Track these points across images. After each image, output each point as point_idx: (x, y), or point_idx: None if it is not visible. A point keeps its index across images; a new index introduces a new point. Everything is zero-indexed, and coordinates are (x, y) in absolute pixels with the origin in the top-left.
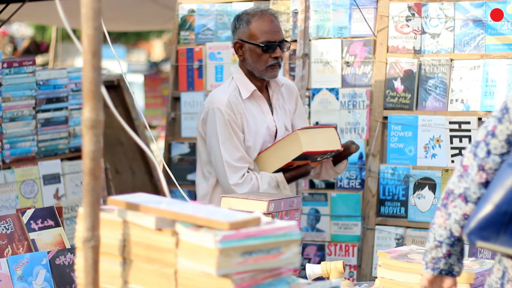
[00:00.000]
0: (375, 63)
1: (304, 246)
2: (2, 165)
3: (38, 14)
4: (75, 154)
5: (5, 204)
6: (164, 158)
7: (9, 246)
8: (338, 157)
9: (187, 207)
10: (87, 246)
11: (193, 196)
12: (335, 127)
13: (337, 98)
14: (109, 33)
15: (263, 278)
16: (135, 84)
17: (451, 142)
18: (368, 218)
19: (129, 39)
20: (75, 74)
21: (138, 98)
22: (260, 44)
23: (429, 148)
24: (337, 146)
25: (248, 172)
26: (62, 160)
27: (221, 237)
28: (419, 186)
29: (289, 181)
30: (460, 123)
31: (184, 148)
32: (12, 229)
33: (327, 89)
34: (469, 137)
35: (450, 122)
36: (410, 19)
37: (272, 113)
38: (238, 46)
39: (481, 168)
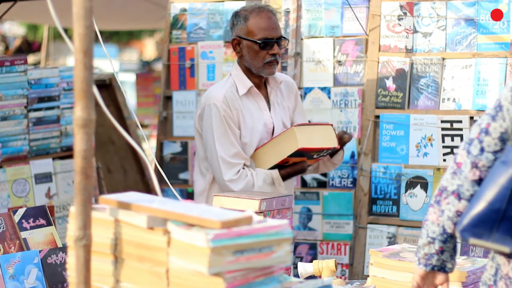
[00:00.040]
0: (367, 62)
1: (296, 245)
2: None
3: (30, 13)
4: (67, 153)
5: None
6: (156, 157)
7: (0, 245)
8: None
9: (178, 206)
10: (79, 245)
11: (185, 195)
12: (332, 125)
13: (329, 97)
14: (101, 32)
15: (255, 276)
16: (127, 83)
17: (443, 141)
18: (360, 216)
19: (121, 38)
20: (67, 73)
21: (130, 97)
22: (258, 41)
23: (421, 147)
24: (334, 144)
25: (243, 168)
26: (53, 159)
27: (213, 236)
28: (411, 184)
29: (284, 178)
30: (452, 122)
31: (176, 147)
32: (3, 228)
33: (319, 88)
34: (461, 136)
35: (442, 121)
36: (402, 18)
37: (270, 110)
38: (236, 43)
39: (475, 166)
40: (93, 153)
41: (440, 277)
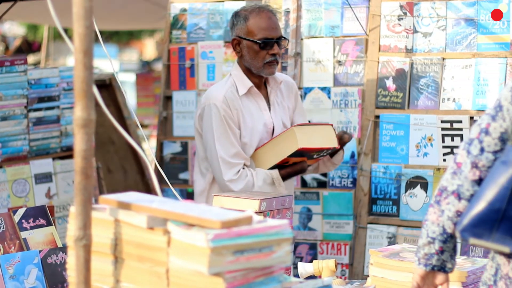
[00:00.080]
0: (367, 62)
1: (296, 245)
2: None
3: (30, 13)
4: (67, 153)
5: None
6: (156, 157)
7: (0, 245)
8: None
9: (178, 206)
10: (79, 245)
11: (185, 195)
12: (332, 125)
13: (329, 97)
14: (101, 32)
15: (255, 276)
16: (127, 83)
17: (443, 141)
18: (360, 216)
19: (121, 38)
20: (67, 73)
21: (130, 97)
22: (258, 41)
23: (421, 147)
24: (334, 144)
25: (243, 168)
26: (53, 159)
27: (213, 236)
28: (411, 184)
29: (284, 178)
30: (452, 122)
31: (176, 147)
32: (3, 228)
33: (319, 88)
34: (461, 136)
35: (442, 121)
36: (402, 18)
37: (270, 110)
38: (236, 43)
39: (475, 166)
40: (93, 153)
41: (440, 277)
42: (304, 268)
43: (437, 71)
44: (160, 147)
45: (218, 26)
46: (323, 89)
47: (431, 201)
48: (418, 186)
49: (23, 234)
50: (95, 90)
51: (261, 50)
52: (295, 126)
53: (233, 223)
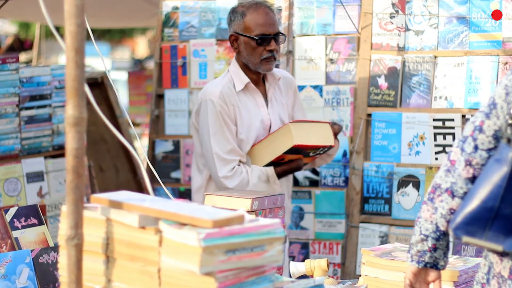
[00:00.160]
0: (359, 60)
1: (288, 244)
2: None
3: (22, 11)
4: (58, 151)
5: None
6: (148, 155)
7: None
8: None
9: (170, 205)
10: (70, 244)
11: (177, 194)
12: (330, 123)
13: (321, 95)
14: (93, 30)
15: (247, 276)
16: (119, 81)
17: (435, 139)
18: (352, 215)
19: (113, 36)
20: (59, 71)
21: (122, 95)
22: (255, 37)
23: (413, 145)
24: (330, 142)
25: (239, 165)
26: (45, 157)
27: (205, 235)
28: (403, 183)
29: (280, 175)
30: (444, 120)
31: (168, 146)
32: None
33: (311, 86)
34: (453, 134)
35: (434, 119)
36: (394, 16)
37: (267, 106)
38: (233, 39)
39: (468, 163)
40: (85, 151)
41: (432, 274)
42: (296, 267)
43: (429, 69)
44: (152, 146)
45: (210, 24)
46: (315, 87)
47: (423, 199)
48: (410, 185)
49: (15, 234)
50: (86, 88)
51: (258, 46)
52: (290, 122)
53: (225, 222)
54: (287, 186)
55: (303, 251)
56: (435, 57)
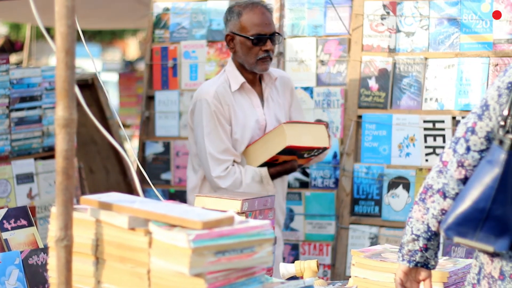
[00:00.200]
0: (349, 61)
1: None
2: None
3: (12, 12)
4: (48, 153)
5: None
6: (138, 157)
7: None
8: None
9: (160, 207)
10: (60, 245)
11: (167, 195)
12: (326, 125)
13: (312, 97)
14: (83, 31)
15: (237, 277)
16: (110, 83)
17: (425, 141)
18: (342, 217)
19: (104, 37)
20: (49, 72)
21: (113, 97)
22: (250, 37)
23: (403, 147)
24: (325, 144)
25: (233, 165)
26: (35, 159)
27: (194, 236)
28: (393, 185)
29: (274, 176)
30: (434, 122)
31: (158, 147)
32: None
33: (301, 88)
34: (443, 136)
35: (425, 121)
36: (385, 18)
37: (263, 106)
38: (229, 39)
39: (460, 165)
40: (75, 153)
41: (423, 273)
42: (286, 268)
43: (419, 70)
44: (142, 147)
45: (201, 26)
46: (305, 89)
47: (415, 199)
48: (401, 187)
49: (4, 235)
50: (77, 89)
51: (254, 46)
52: (284, 123)
53: (214, 224)
54: (282, 187)
55: (293, 253)
56: (426, 58)
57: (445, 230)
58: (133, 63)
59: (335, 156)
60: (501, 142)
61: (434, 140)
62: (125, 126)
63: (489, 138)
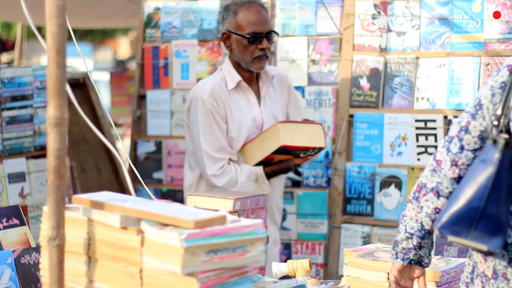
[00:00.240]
0: (341, 61)
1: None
2: None
3: (3, 11)
4: (40, 152)
5: None
6: (130, 156)
7: None
8: None
9: (152, 206)
10: (52, 244)
11: (159, 194)
12: (322, 124)
13: (303, 96)
14: (74, 30)
15: (229, 276)
16: (101, 82)
17: (417, 140)
18: (335, 216)
19: (95, 37)
20: (40, 72)
21: (104, 96)
22: (246, 36)
23: (395, 146)
24: (321, 144)
25: (229, 163)
26: (27, 158)
27: (186, 235)
28: (385, 184)
29: (269, 175)
30: (426, 121)
31: (150, 147)
32: None
33: (293, 87)
34: (435, 135)
35: (416, 120)
36: (376, 17)
37: (260, 105)
38: (226, 37)
39: (454, 164)
40: (67, 152)
41: (417, 271)
42: (279, 268)
43: (411, 70)
44: (134, 147)
45: (192, 25)
46: (297, 88)
47: (409, 198)
48: (393, 186)
49: None
50: (68, 89)
51: (250, 45)
52: (279, 122)
53: (206, 223)
54: (280, 186)
55: (286, 252)
56: (417, 58)
57: (439, 229)
58: (125, 62)
59: (327, 155)
60: (494, 142)
61: (426, 139)
62: (116, 125)
63: (482, 137)
